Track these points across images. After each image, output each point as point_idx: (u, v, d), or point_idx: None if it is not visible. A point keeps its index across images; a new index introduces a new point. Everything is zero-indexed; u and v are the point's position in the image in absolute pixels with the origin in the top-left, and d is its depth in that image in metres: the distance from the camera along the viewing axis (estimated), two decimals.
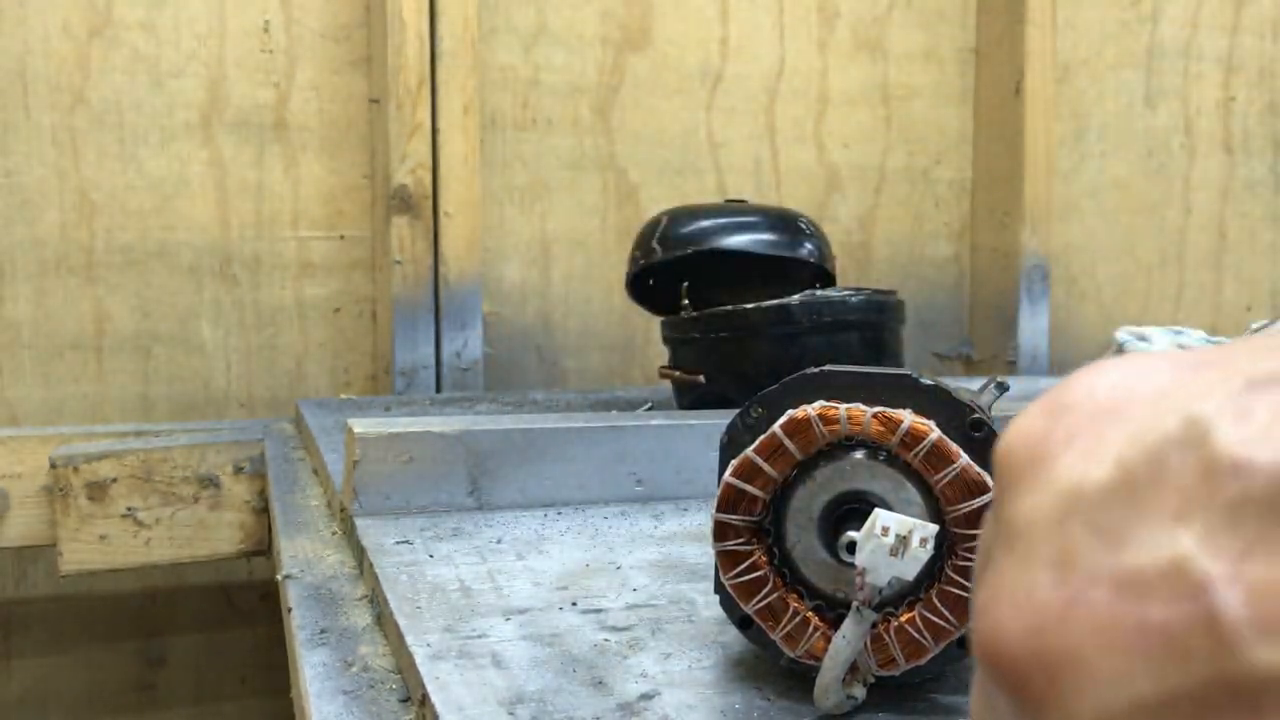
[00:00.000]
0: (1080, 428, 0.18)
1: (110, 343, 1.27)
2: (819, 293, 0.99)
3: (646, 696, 0.44)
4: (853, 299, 0.98)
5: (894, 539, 0.38)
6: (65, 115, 1.23)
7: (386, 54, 1.27)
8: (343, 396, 1.33)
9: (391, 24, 1.26)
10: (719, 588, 0.45)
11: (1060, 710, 0.16)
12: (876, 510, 0.39)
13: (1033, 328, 1.55)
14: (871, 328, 0.99)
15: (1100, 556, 0.16)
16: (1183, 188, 1.70)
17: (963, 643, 0.43)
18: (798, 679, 0.45)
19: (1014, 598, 0.17)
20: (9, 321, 1.23)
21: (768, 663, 0.47)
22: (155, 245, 1.28)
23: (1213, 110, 1.71)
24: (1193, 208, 1.71)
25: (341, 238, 1.34)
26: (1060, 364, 1.62)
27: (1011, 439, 0.19)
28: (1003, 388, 0.64)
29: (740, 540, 0.44)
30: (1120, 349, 1.41)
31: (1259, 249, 1.75)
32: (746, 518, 0.44)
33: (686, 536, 0.69)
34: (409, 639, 0.50)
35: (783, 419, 0.43)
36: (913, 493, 0.43)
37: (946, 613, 0.42)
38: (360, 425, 0.74)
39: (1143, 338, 1.41)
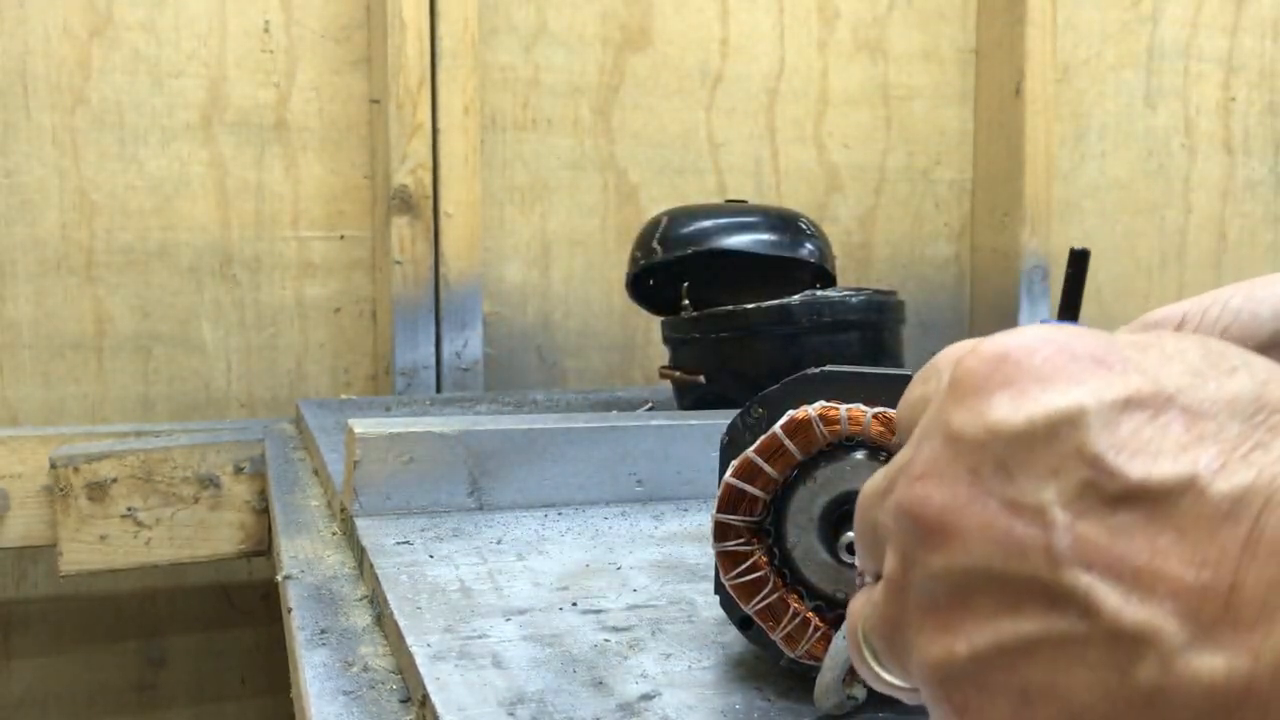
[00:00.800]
0: (1015, 378, 0.24)
1: (110, 343, 1.27)
2: (819, 293, 0.99)
3: (647, 697, 0.44)
4: (853, 299, 0.98)
5: None
6: (66, 115, 1.23)
7: (387, 54, 1.27)
8: (343, 396, 1.33)
9: (392, 24, 1.26)
10: (719, 588, 0.45)
11: (941, 556, 0.24)
12: None
13: None
14: (871, 328, 0.99)
15: (996, 482, 0.24)
16: (1183, 188, 1.70)
17: None
18: (797, 679, 0.45)
19: (939, 480, 0.25)
20: (9, 321, 1.23)
21: (768, 663, 0.47)
22: (155, 245, 1.28)
23: (1213, 110, 1.71)
24: (1193, 208, 1.71)
25: (342, 238, 1.34)
26: None
27: (968, 363, 0.26)
28: None
29: (740, 541, 0.44)
30: None
31: (1259, 249, 1.75)
32: (747, 518, 0.44)
33: (687, 537, 0.69)
34: (409, 639, 0.50)
35: (783, 419, 0.43)
36: None
37: None
38: (360, 425, 0.74)
39: None
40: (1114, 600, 0.22)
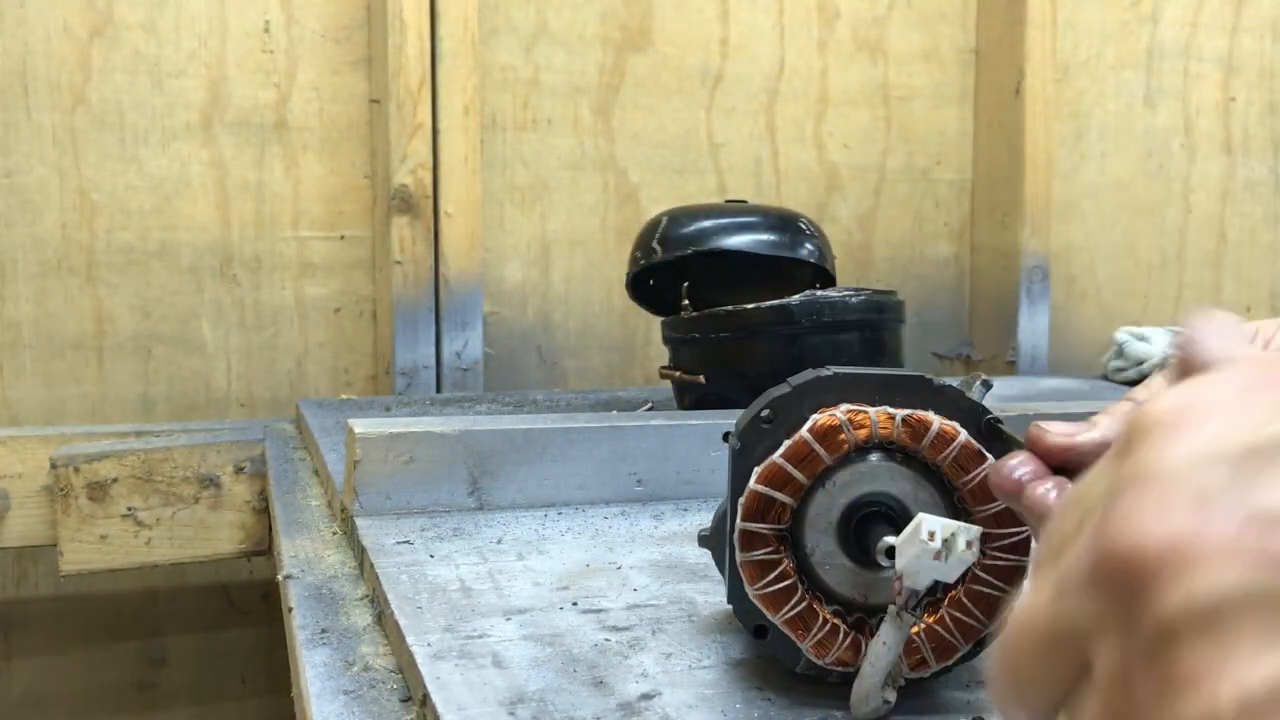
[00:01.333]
0: (1217, 409, 0.23)
1: (111, 343, 1.27)
2: (819, 293, 0.99)
3: (647, 696, 0.44)
4: (853, 299, 0.98)
5: (940, 543, 0.37)
6: (66, 115, 1.23)
7: (387, 54, 1.27)
8: (343, 396, 1.33)
9: (392, 24, 1.27)
10: (736, 598, 0.44)
11: (1178, 592, 0.21)
12: (921, 515, 0.38)
13: (1032, 328, 1.55)
14: (871, 328, 0.99)
15: (1234, 496, 0.21)
16: (1183, 188, 1.70)
17: (982, 642, 0.43)
18: (798, 678, 0.45)
19: (1155, 513, 0.22)
20: (10, 321, 1.23)
21: (768, 662, 0.47)
22: (156, 245, 1.28)
23: (1213, 111, 1.71)
24: (1193, 208, 1.71)
25: (342, 238, 1.34)
26: (1060, 364, 1.62)
27: (1164, 406, 0.24)
28: (988, 385, 0.64)
29: (769, 550, 0.43)
30: (1121, 350, 1.41)
31: (1259, 249, 1.75)
32: (775, 525, 0.43)
33: (686, 536, 0.69)
34: (410, 639, 0.50)
35: (810, 423, 0.42)
36: (931, 493, 0.43)
37: (977, 611, 0.42)
38: (361, 425, 0.74)
39: (1142, 338, 1.41)
40: None
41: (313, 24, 1.32)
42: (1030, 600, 0.25)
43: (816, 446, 0.42)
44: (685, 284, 1.10)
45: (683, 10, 1.45)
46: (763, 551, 0.43)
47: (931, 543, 0.37)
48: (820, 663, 0.43)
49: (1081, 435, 0.36)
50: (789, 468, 0.42)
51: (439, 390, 1.33)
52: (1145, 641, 0.21)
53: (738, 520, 0.43)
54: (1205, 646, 0.20)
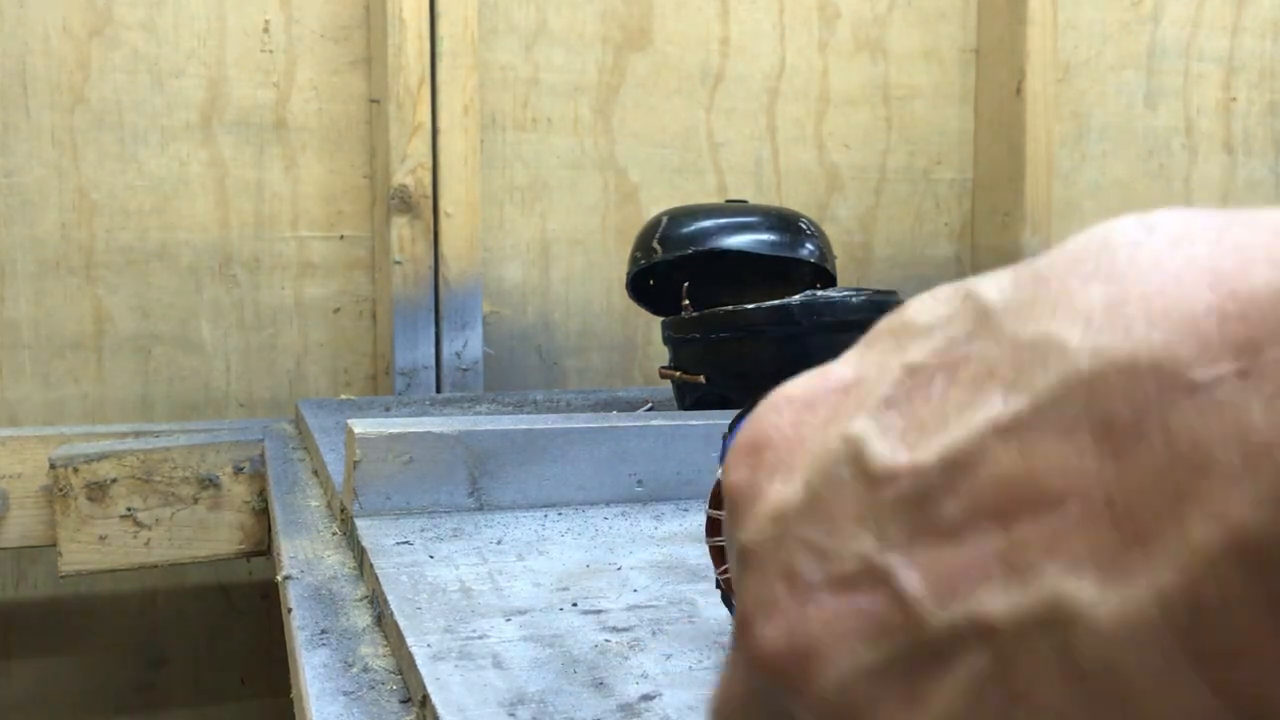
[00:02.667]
0: (776, 460, 0.22)
1: (110, 343, 1.27)
2: (819, 293, 0.99)
3: (647, 697, 0.44)
4: (853, 299, 0.98)
5: None
6: (65, 115, 1.23)
7: (386, 54, 1.27)
8: (343, 397, 1.32)
9: (391, 24, 1.26)
10: (717, 584, 0.46)
11: (814, 689, 0.20)
12: None
13: None
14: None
15: (813, 566, 0.20)
16: (1183, 188, 1.70)
17: None
18: None
19: (763, 610, 0.21)
20: (9, 321, 1.23)
21: None
22: (155, 245, 1.27)
23: (1213, 111, 1.70)
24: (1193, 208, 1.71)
25: (341, 238, 1.34)
26: None
27: (729, 479, 0.23)
28: None
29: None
30: None
31: None
32: None
33: (687, 537, 0.69)
34: (409, 639, 0.50)
35: None
36: None
37: None
38: (360, 425, 0.74)
39: None
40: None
41: (312, 24, 1.31)
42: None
43: None
44: (685, 284, 1.09)
45: (683, 10, 1.45)
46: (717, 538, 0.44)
47: None
48: None
49: None
50: None
51: (439, 390, 1.33)
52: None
53: (706, 507, 0.44)
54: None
